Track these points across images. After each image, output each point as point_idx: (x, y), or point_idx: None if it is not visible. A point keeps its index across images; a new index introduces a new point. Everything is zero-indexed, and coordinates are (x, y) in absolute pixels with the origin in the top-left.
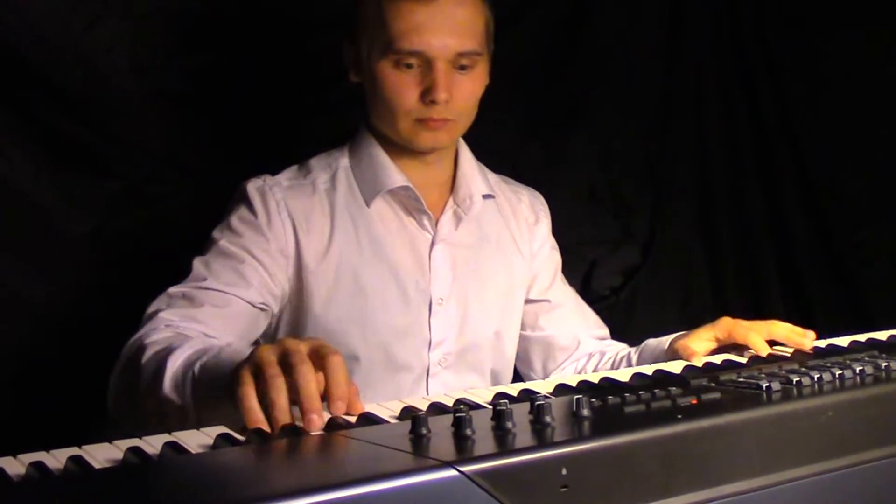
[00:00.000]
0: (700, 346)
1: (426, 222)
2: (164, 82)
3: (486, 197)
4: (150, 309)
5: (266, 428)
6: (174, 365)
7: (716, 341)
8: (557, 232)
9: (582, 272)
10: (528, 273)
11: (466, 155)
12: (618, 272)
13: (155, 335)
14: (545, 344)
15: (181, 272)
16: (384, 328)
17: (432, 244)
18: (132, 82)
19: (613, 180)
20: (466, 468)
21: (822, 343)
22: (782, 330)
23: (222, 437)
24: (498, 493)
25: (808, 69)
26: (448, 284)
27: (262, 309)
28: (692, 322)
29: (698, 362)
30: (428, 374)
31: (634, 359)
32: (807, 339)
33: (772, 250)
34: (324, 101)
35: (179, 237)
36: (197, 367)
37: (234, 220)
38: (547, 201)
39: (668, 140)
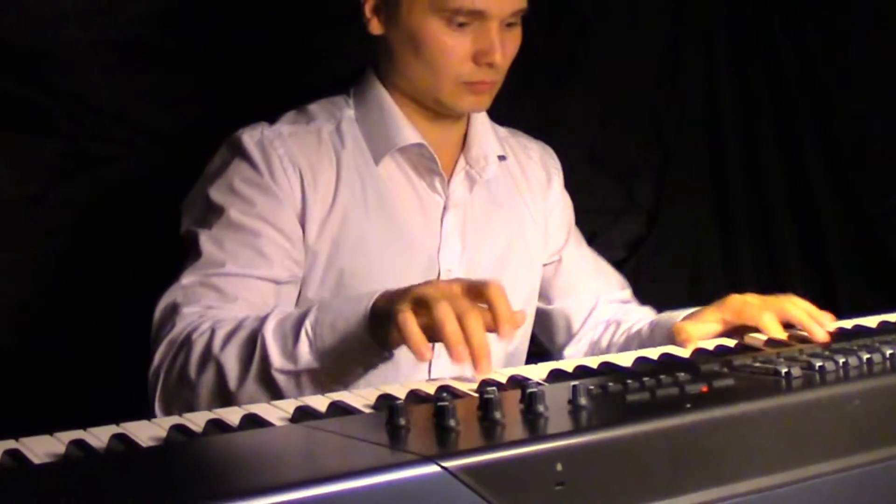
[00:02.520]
0: (701, 329)
1: (438, 185)
2: (112, 30)
3: (499, 158)
4: (167, 302)
5: (429, 355)
6: (271, 338)
7: (722, 324)
8: None
9: None
10: (542, 241)
11: (480, 112)
12: (620, 244)
13: (203, 325)
14: (561, 315)
15: (131, 242)
16: None
17: (444, 209)
18: (76, 30)
19: (615, 141)
20: (449, 463)
21: (849, 323)
22: (797, 311)
23: (176, 429)
24: (485, 491)
25: (830, 16)
26: (458, 254)
27: (288, 282)
28: (701, 301)
29: (691, 348)
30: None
31: (646, 334)
32: (825, 320)
33: (791, 219)
34: (302, 51)
35: (129, 203)
36: (308, 326)
37: (238, 183)
38: None
39: (676, 96)
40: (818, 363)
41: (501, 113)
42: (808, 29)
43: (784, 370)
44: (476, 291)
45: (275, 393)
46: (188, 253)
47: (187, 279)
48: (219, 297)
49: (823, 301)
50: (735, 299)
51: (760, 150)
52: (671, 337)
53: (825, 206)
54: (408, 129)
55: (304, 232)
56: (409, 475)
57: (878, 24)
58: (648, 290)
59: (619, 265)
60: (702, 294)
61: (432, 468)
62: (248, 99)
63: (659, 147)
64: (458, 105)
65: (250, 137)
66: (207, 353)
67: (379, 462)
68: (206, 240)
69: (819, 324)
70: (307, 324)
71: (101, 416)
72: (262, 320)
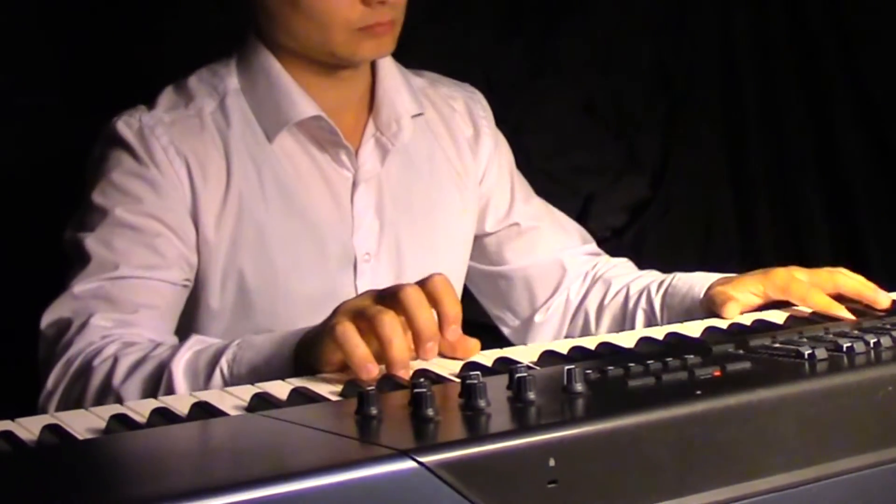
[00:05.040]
0: (742, 298)
1: (344, 157)
2: None
3: (415, 117)
4: (56, 316)
5: (375, 371)
6: (181, 373)
7: (763, 298)
8: (544, 157)
9: (576, 208)
10: (474, 203)
11: (387, 64)
12: (621, 208)
13: (106, 350)
14: (523, 280)
15: (58, 205)
16: (299, 297)
17: (354, 185)
18: None
19: (615, 91)
20: (427, 458)
21: None
22: (852, 283)
23: (117, 420)
24: (467, 489)
25: None
26: (375, 235)
27: (184, 286)
28: (714, 272)
29: (732, 313)
30: None
31: (657, 302)
32: (882, 296)
33: (816, 178)
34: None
35: (58, 161)
36: (223, 364)
37: (120, 177)
38: (532, 117)
39: (684, 39)
40: (846, 344)
41: (482, 57)
42: None
43: (807, 352)
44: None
45: None
46: (71, 262)
47: (79, 288)
48: (116, 308)
49: (853, 271)
50: (780, 273)
51: (781, 99)
52: (691, 305)
53: (855, 161)
54: (302, 100)
55: (198, 232)
56: (381, 471)
57: None
58: (653, 260)
59: (620, 231)
60: (714, 263)
61: (407, 464)
62: (192, 40)
63: (665, 97)
64: (357, 54)
65: (127, 126)
66: (107, 385)
67: (347, 457)
68: (91, 242)
69: (874, 295)
70: (223, 360)
71: (31, 405)
72: (174, 351)
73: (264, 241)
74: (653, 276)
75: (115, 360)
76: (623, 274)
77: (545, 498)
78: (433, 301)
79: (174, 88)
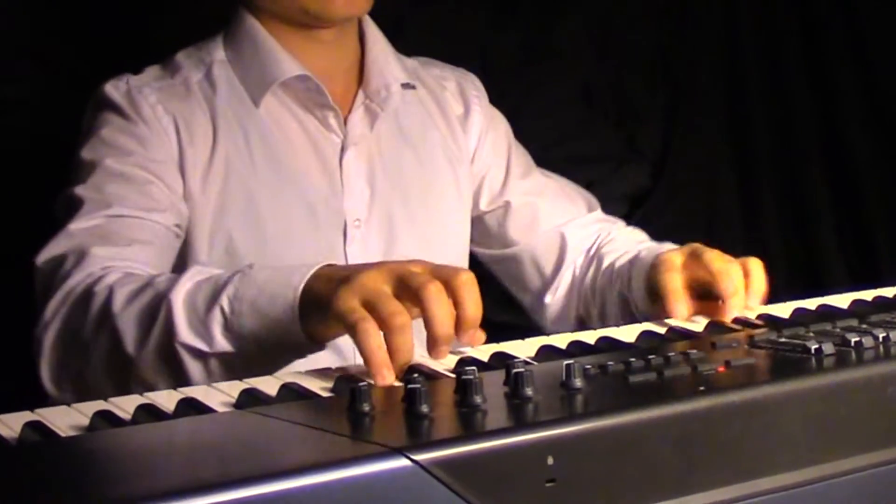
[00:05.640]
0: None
1: (332, 121)
2: None
3: (405, 87)
4: (52, 254)
5: (391, 378)
6: (180, 304)
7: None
8: (541, 146)
9: None
10: (467, 181)
11: (375, 34)
12: (621, 198)
13: (108, 277)
14: (527, 256)
15: (37, 196)
16: (288, 261)
17: (342, 149)
18: None
19: (615, 78)
20: (422, 456)
21: (890, 292)
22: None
23: (101, 416)
24: (463, 488)
25: None
26: (365, 201)
27: (176, 234)
28: None
29: (681, 312)
30: None
31: (625, 275)
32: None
33: (822, 169)
34: None
35: (37, 151)
36: (224, 300)
37: (108, 133)
38: (529, 105)
39: (686, 25)
40: (854, 338)
41: (477, 43)
42: None
43: (814, 347)
44: (442, 279)
45: (176, 373)
46: (62, 217)
47: (74, 226)
48: (112, 243)
49: (860, 263)
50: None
51: (787, 87)
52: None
53: (861, 150)
54: (286, 60)
55: (185, 189)
56: (373, 470)
57: None
58: None
59: None
60: None
61: (401, 462)
62: (176, 26)
63: (666, 84)
64: (329, 10)
65: (115, 88)
66: (106, 312)
67: (338, 454)
68: (82, 190)
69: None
70: (224, 296)
71: (12, 401)
72: (174, 281)
73: (253, 205)
74: (635, 243)
75: (115, 287)
76: (615, 250)
77: (543, 497)
78: (455, 299)
79: (161, 64)
